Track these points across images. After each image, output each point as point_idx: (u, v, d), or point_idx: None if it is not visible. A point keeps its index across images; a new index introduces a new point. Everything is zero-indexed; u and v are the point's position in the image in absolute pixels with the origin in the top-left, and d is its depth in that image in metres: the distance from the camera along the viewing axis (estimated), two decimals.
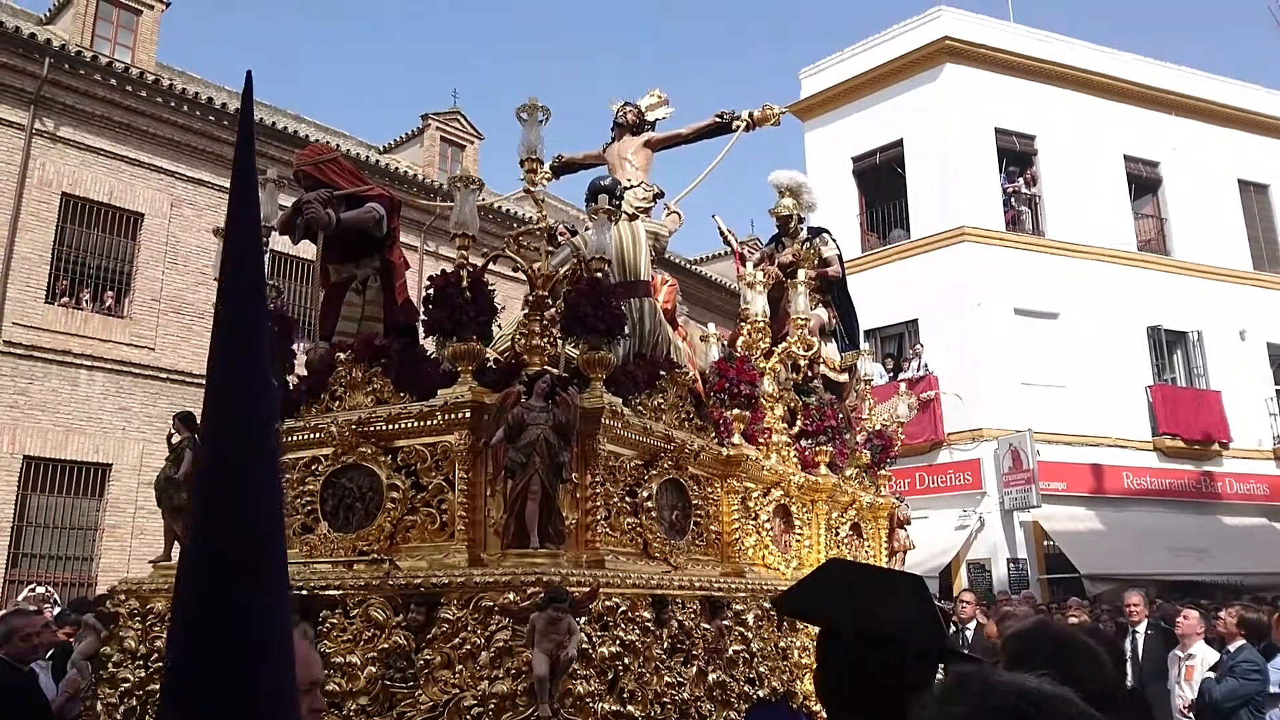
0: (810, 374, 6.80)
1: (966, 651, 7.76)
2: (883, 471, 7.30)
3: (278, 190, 5.33)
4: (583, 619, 3.44)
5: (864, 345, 17.29)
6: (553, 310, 4.61)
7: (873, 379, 7.80)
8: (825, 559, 6.11)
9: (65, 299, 13.99)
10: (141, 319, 14.53)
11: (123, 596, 4.84)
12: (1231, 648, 6.69)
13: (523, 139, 4.60)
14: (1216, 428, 17.62)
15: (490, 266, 4.57)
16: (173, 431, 5.14)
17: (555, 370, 4.33)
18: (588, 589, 3.52)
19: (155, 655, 4.51)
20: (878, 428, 7.40)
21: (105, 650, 4.72)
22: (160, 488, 5.10)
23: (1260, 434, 18.18)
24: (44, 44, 13.56)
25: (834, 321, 7.64)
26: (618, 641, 3.67)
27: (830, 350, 7.36)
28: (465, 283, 4.20)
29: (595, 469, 4.15)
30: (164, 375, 14.28)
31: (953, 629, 8.09)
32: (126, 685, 4.51)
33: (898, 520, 7.32)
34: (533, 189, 4.75)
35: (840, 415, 6.75)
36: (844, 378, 7.41)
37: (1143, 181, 19.17)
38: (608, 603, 3.69)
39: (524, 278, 4.53)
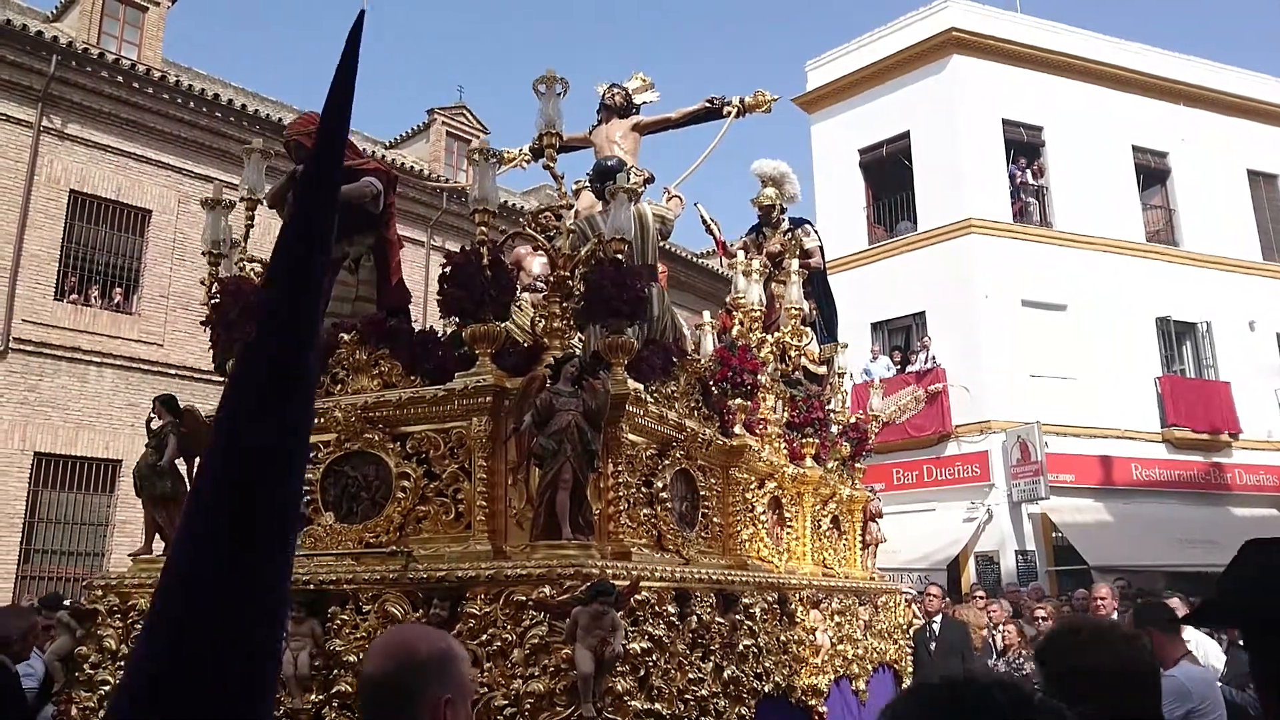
0: (793, 366, 6.80)
1: (933, 645, 7.77)
2: (859, 465, 7.33)
3: (264, 161, 5.10)
4: (619, 613, 3.28)
5: (871, 340, 17.21)
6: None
7: (847, 372, 7.81)
8: (810, 553, 6.11)
9: (74, 296, 14.04)
10: (150, 315, 14.57)
11: (100, 592, 4.51)
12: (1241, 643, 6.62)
13: (540, 112, 4.36)
14: (1226, 419, 17.53)
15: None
16: (153, 416, 4.81)
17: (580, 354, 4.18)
18: (628, 582, 3.39)
19: None
20: (853, 421, 7.45)
21: (81, 650, 4.43)
22: (142, 476, 4.75)
23: (1270, 425, 18.06)
24: (51, 41, 13.57)
25: (814, 313, 7.63)
26: (646, 637, 3.51)
27: (810, 343, 7.37)
28: (485, 260, 3.96)
29: (618, 458, 3.97)
30: (173, 371, 14.30)
31: (920, 622, 8.09)
32: (106, 688, 4.22)
33: (870, 513, 7.36)
34: (551, 165, 4.52)
35: (825, 407, 6.77)
36: (823, 370, 7.41)
37: (1151, 172, 19.06)
38: (637, 596, 3.53)
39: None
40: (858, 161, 19.25)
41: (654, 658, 3.54)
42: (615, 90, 6.60)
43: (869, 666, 6.35)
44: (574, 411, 3.57)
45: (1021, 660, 7.66)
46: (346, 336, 4.38)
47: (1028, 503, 15.86)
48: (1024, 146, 18.25)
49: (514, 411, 3.79)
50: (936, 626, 8.17)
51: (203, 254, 5.08)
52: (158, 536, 4.84)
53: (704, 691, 3.90)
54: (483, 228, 4.05)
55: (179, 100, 14.87)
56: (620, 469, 3.98)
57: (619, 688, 3.28)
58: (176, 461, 4.74)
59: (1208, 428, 17.31)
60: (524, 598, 3.42)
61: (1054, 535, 15.93)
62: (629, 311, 4.07)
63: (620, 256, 4.16)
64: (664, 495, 4.26)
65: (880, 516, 7.63)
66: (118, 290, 14.54)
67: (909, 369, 17.19)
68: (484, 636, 3.44)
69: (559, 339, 4.17)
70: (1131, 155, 18.65)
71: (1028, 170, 18.23)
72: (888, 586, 7.52)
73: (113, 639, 4.33)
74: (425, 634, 1.98)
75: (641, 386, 4.19)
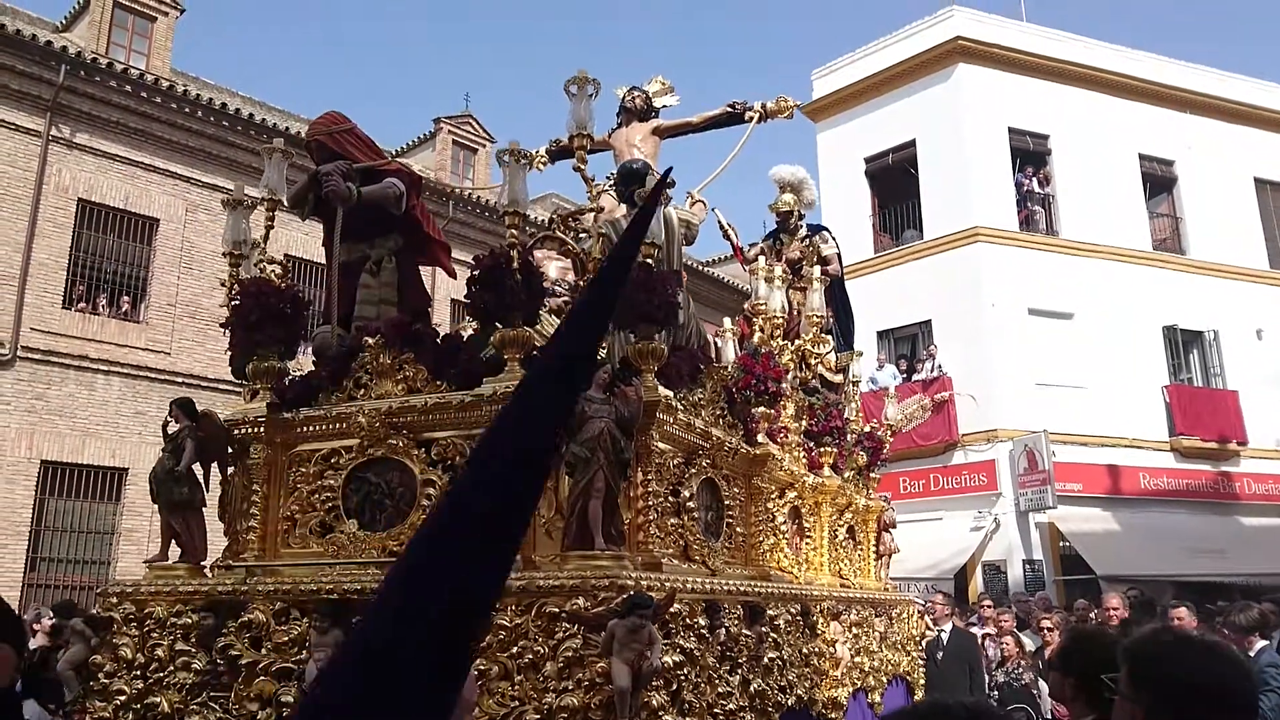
0: (811, 374, 6.76)
1: (940, 655, 7.72)
2: (874, 474, 7.29)
3: (285, 162, 5.03)
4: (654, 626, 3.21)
5: (877, 349, 17.12)
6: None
7: (861, 380, 7.77)
8: (827, 563, 6.07)
9: (82, 304, 14.03)
10: (157, 324, 14.56)
11: (115, 600, 4.41)
12: (1252, 652, 6.53)
13: (571, 113, 4.26)
14: (1233, 428, 17.49)
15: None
16: (170, 420, 4.66)
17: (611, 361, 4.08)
18: (664, 595, 3.32)
19: (154, 665, 4.11)
20: (867, 430, 7.41)
21: (96, 659, 4.33)
22: (158, 481, 4.61)
23: (1278, 434, 18.02)
24: (60, 51, 13.60)
25: (831, 321, 7.61)
26: (678, 650, 3.44)
27: (830, 351, 7.33)
28: (516, 264, 3.86)
29: (647, 466, 3.89)
30: (180, 379, 14.27)
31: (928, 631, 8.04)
32: (122, 698, 4.13)
33: (884, 524, 7.32)
34: (582, 166, 4.42)
35: (844, 416, 6.73)
36: (839, 378, 7.38)
37: (1158, 180, 19.05)
38: (670, 609, 3.44)
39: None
40: (863, 170, 19.26)
41: (685, 671, 3.47)
42: (636, 93, 6.52)
43: (884, 679, 6.31)
44: (606, 419, 3.50)
45: (1020, 670, 7.62)
46: (370, 340, 4.30)
47: (1035, 512, 15.82)
48: (1030, 155, 18.25)
49: None
50: (945, 637, 8.13)
51: (223, 254, 5.03)
52: (174, 543, 4.73)
53: (732, 705, 3.84)
54: (513, 230, 3.95)
55: (187, 110, 14.90)
56: (650, 478, 3.90)
57: (654, 702, 3.22)
58: (194, 466, 4.66)
59: (1215, 436, 17.26)
60: (557, 609, 3.35)
61: (1061, 544, 15.88)
62: (661, 317, 3.99)
63: (650, 261, 4.09)
64: (691, 505, 4.19)
65: (894, 526, 7.62)
66: (125, 299, 14.54)
67: (915, 378, 17.16)
68: (514, 649, 3.37)
69: None
70: (1138, 163, 18.65)
71: (1034, 178, 18.22)
72: (901, 597, 7.49)
73: (128, 647, 4.23)
74: None
75: (671, 394, 4.12)
